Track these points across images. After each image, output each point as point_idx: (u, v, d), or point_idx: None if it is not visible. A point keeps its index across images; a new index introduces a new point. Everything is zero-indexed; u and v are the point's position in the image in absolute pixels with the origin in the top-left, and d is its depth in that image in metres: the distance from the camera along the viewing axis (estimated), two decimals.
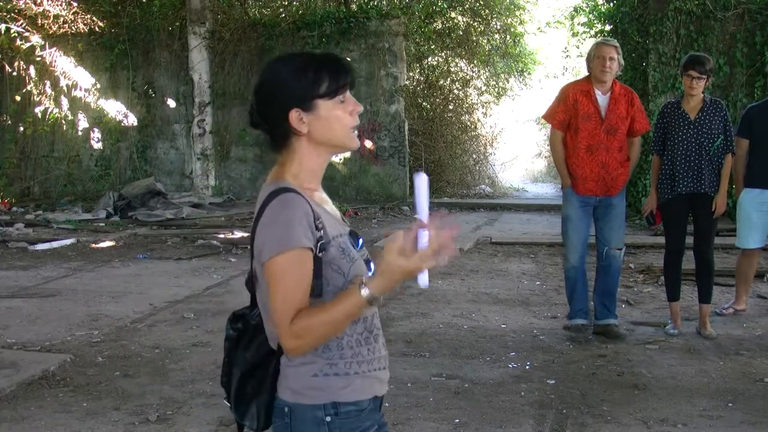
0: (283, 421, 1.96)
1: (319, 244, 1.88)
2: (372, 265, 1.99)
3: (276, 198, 1.89)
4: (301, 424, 1.93)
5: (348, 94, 1.97)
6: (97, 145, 15.38)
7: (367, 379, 1.97)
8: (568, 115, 5.71)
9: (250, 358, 1.98)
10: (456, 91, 16.89)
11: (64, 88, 14.98)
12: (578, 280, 5.80)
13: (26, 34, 14.56)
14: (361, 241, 2.04)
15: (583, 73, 6.20)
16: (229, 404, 2.06)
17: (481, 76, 17.62)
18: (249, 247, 1.98)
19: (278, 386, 1.96)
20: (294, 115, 1.93)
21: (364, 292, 1.80)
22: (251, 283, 2.02)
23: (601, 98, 5.68)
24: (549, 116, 5.91)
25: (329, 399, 1.92)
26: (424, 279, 1.84)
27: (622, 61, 5.78)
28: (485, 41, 17.30)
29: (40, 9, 14.47)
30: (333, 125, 1.94)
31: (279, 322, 1.85)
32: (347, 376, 1.94)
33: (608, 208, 5.76)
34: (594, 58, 5.66)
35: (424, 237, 1.78)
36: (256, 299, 2.01)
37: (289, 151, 1.98)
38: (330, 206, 2.06)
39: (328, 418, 1.92)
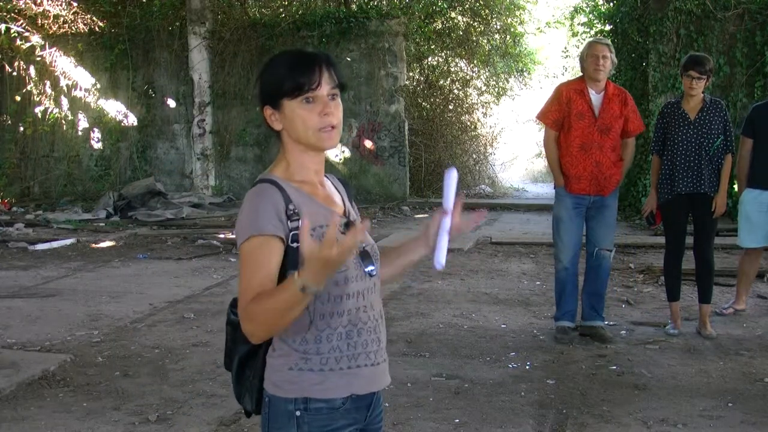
0: (264, 411, 2.01)
1: (291, 235, 1.90)
2: (370, 256, 2.01)
3: (252, 189, 1.96)
4: (276, 415, 1.97)
5: (319, 94, 1.94)
6: (97, 145, 15.38)
7: (345, 376, 1.96)
8: (562, 114, 5.70)
9: (246, 345, 2.01)
10: (456, 91, 16.90)
11: (64, 88, 14.99)
12: (568, 282, 5.78)
13: (26, 34, 14.56)
14: None
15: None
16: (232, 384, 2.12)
17: (481, 76, 17.64)
18: None
19: (264, 377, 2.00)
20: (267, 112, 1.99)
21: (297, 280, 1.76)
22: None
23: (595, 97, 5.67)
24: (543, 115, 5.88)
25: (301, 394, 1.94)
26: (440, 260, 1.97)
27: (615, 60, 5.79)
28: (485, 41, 17.31)
29: (40, 9, 14.48)
30: (297, 125, 1.96)
31: (239, 305, 1.88)
32: (321, 372, 1.94)
33: (601, 208, 5.75)
34: (587, 57, 5.66)
35: (447, 222, 2.03)
36: None
37: (281, 145, 2.04)
38: (327, 198, 2.05)
39: (298, 413, 1.94)
